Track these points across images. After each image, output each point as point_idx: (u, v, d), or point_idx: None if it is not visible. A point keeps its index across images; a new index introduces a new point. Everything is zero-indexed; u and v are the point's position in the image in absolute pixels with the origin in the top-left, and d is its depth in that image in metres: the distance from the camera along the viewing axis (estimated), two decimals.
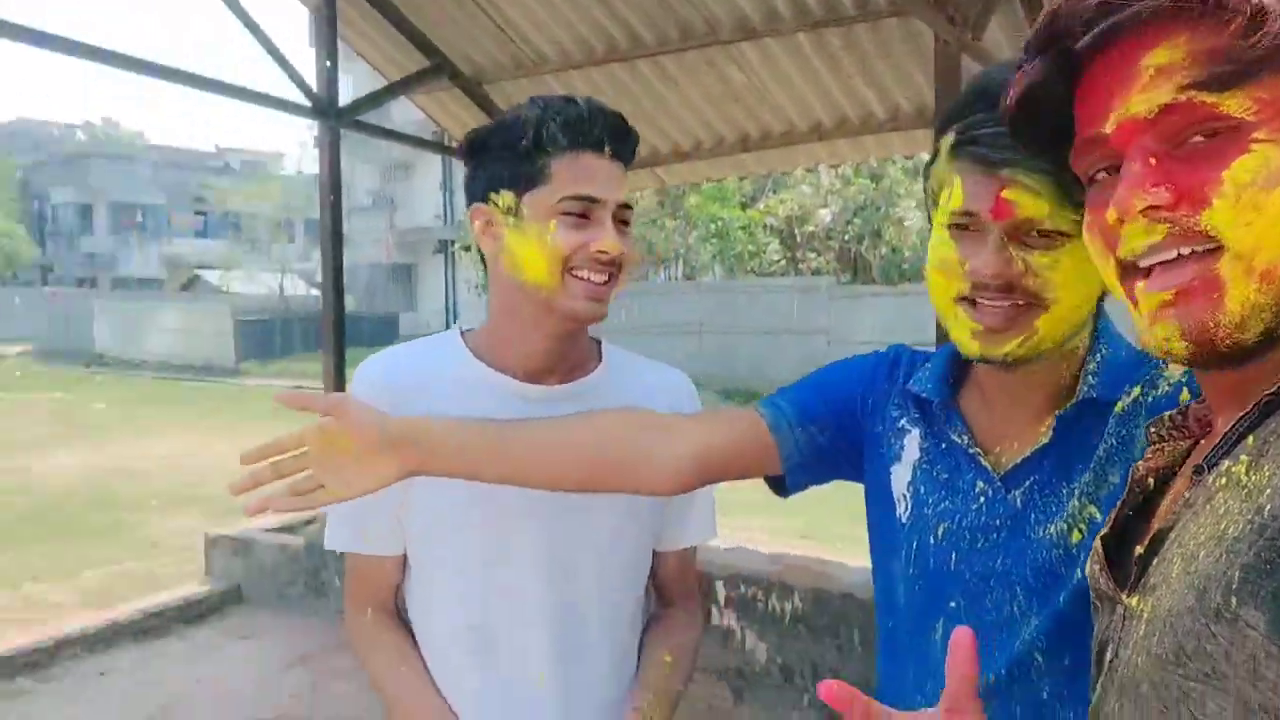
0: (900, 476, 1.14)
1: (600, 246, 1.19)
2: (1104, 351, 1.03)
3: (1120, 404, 1.00)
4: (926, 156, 1.10)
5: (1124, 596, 0.66)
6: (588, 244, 1.20)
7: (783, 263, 19.26)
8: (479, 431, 1.14)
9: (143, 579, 5.90)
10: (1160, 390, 0.99)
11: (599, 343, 1.39)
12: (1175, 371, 0.98)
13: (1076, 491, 0.99)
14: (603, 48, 5.71)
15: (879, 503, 1.16)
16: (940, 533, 1.07)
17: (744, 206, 19.09)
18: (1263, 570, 0.53)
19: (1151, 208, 0.62)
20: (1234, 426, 0.62)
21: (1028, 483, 1.03)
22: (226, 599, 5.25)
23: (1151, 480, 0.72)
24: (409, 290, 28.50)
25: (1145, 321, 0.66)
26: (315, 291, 24.67)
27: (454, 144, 7.10)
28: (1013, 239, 0.95)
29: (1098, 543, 0.72)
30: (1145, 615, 0.62)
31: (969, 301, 0.98)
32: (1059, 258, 0.94)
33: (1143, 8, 0.62)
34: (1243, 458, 0.60)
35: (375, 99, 5.98)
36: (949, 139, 0.98)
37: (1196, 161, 0.62)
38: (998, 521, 1.03)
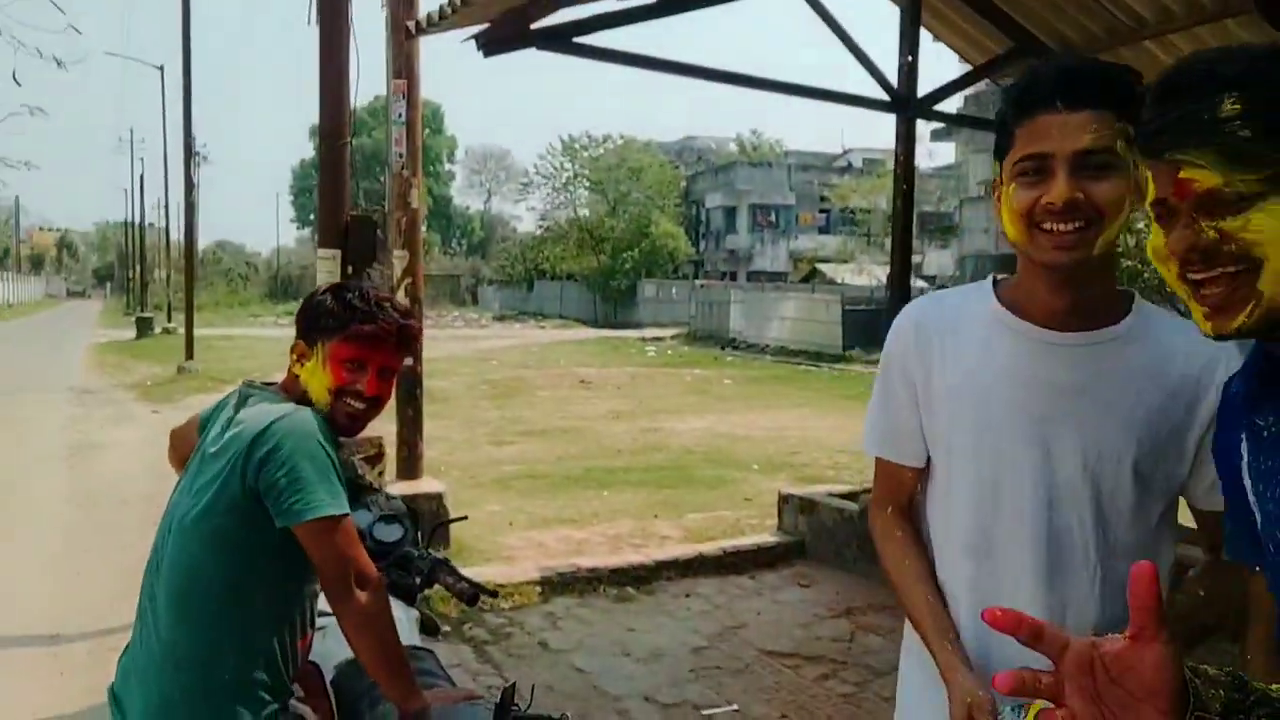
0: (1247, 484, 1.10)
1: (1049, 198, 1.25)
2: None
3: None
4: None
5: None
6: (1039, 198, 1.26)
7: None
8: None
9: (731, 525, 6.85)
10: None
11: (1133, 295, 1.41)
12: None
13: None
14: (1212, 3, 5.08)
15: (1243, 514, 1.12)
16: (1267, 496, 1.04)
17: None
18: None
19: None
20: None
21: None
22: (792, 550, 5.88)
23: None
24: None
25: None
26: (921, 283, 25.11)
27: None
28: (1202, 215, 0.95)
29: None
30: None
31: (1191, 284, 0.98)
32: (1251, 217, 0.93)
33: None
34: None
35: (954, 87, 6.09)
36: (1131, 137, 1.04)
37: None
38: None
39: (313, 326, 1.92)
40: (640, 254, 41.73)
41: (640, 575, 5.40)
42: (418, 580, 2.42)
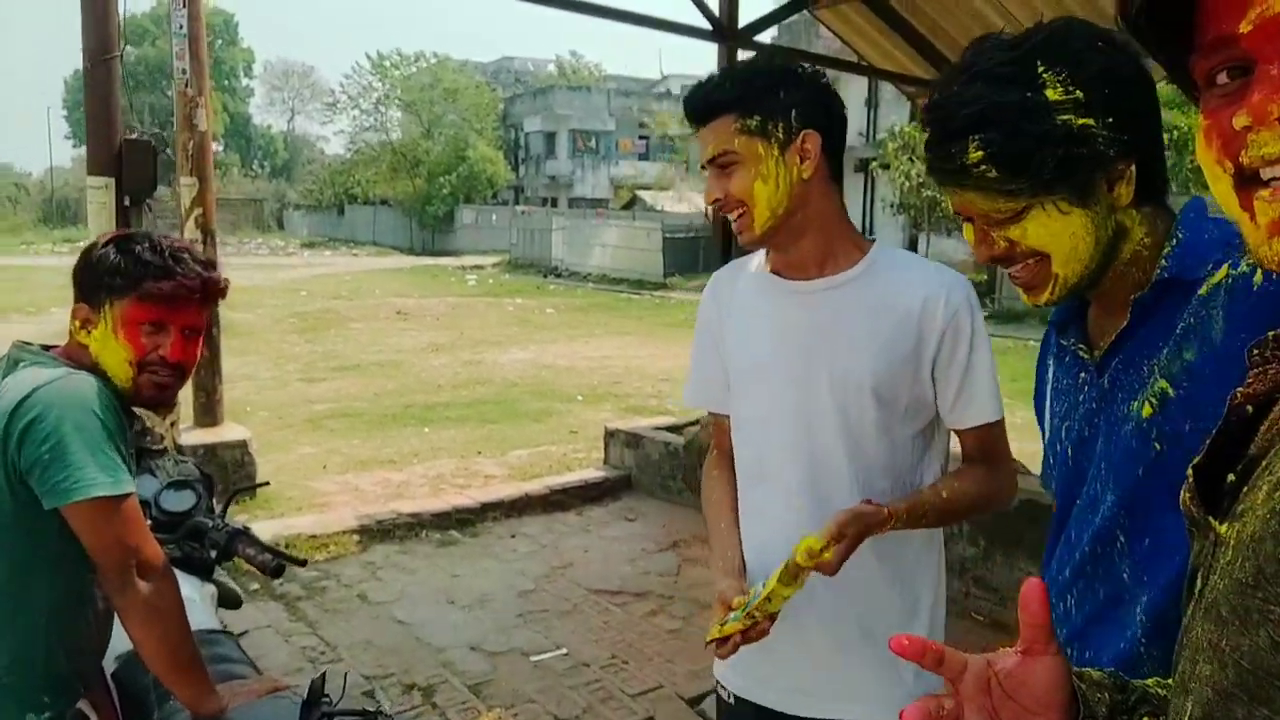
0: (1047, 410, 1.29)
1: (707, 200, 1.58)
2: (1181, 235, 1.10)
3: (1205, 286, 1.05)
4: None
5: (1215, 524, 0.64)
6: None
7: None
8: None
9: (558, 460, 6.78)
10: (1241, 270, 1.02)
11: (872, 243, 1.60)
12: None
13: (1154, 368, 1.07)
14: None
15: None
16: (1064, 435, 1.20)
17: None
18: None
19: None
20: None
21: (1114, 364, 1.13)
22: (618, 485, 5.87)
23: (1250, 407, 0.68)
24: None
25: (1263, 234, 0.62)
26: None
27: (871, 64, 6.95)
28: (989, 225, 1.13)
29: (1190, 470, 0.69)
30: (1232, 542, 0.61)
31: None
32: (1025, 226, 1.10)
33: None
34: None
35: (774, 18, 6.05)
36: None
37: None
38: (1094, 405, 1.15)
39: (96, 285, 1.64)
40: (458, 179, 40.45)
41: (464, 518, 5.25)
42: (213, 554, 2.18)
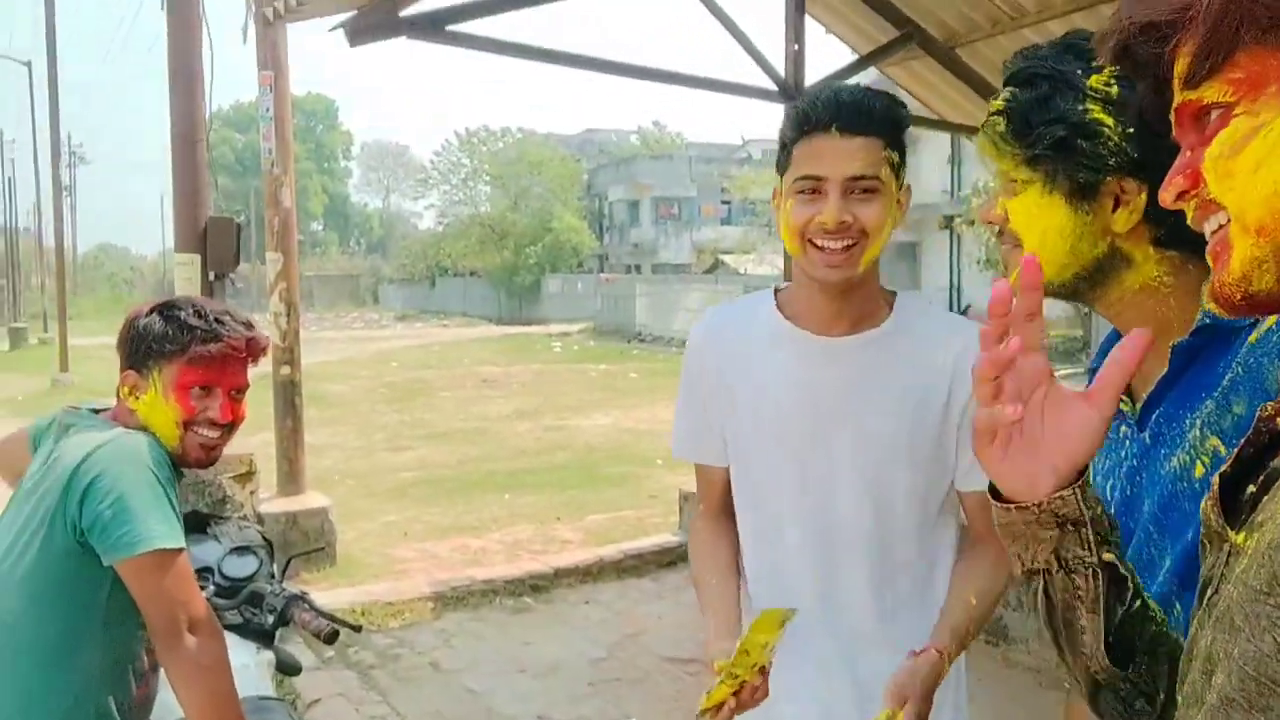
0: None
1: (821, 219, 1.36)
2: None
3: (1255, 333, 0.97)
4: None
5: (1231, 534, 0.65)
6: (813, 216, 1.37)
7: None
8: None
9: (634, 524, 6.72)
10: None
11: (895, 294, 1.54)
12: None
13: (1199, 422, 0.99)
14: None
15: None
16: (1108, 493, 1.10)
17: None
18: None
19: (1181, 194, 0.70)
20: None
21: (1154, 416, 1.05)
22: None
23: (1279, 420, 0.70)
24: (913, 267, 28.17)
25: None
26: None
27: (946, 119, 6.88)
28: (1002, 189, 1.11)
29: (1215, 479, 0.70)
30: (1248, 550, 0.62)
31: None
32: (1017, 201, 1.08)
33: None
34: None
35: (840, 76, 6.05)
36: None
37: (1200, 148, 0.68)
38: (1136, 462, 1.06)
39: (143, 352, 1.70)
40: (544, 249, 41.35)
41: (538, 584, 5.22)
42: (270, 619, 2.19)
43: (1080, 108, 1.02)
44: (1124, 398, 1.08)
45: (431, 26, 4.56)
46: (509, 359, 22.12)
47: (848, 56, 6.41)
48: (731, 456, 1.57)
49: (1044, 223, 1.05)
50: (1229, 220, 0.67)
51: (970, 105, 6.45)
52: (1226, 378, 0.98)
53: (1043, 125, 1.03)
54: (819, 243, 1.38)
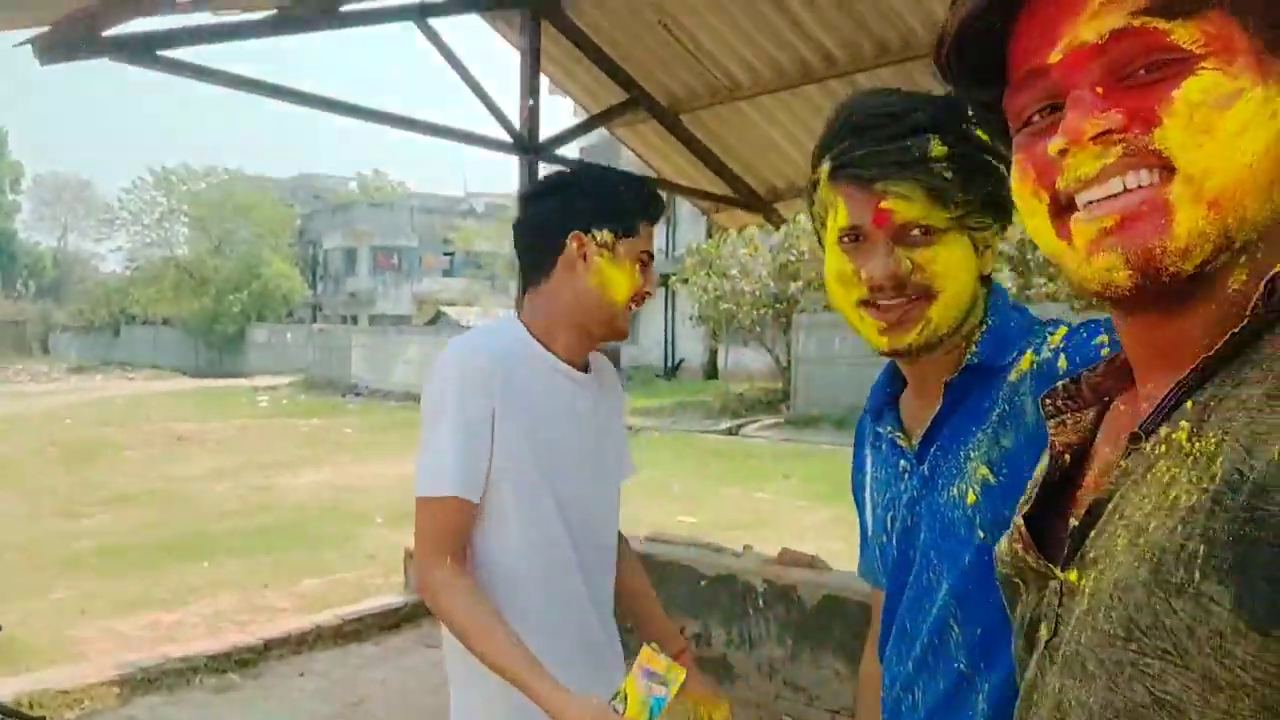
0: (867, 499, 1.26)
1: (648, 287, 1.71)
2: (991, 322, 1.12)
3: (1014, 372, 1.06)
4: None
5: (1058, 572, 0.63)
6: (645, 284, 1.70)
7: (1014, 290, 18.17)
8: None
9: (354, 587, 6.31)
10: (1044, 355, 1.06)
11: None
12: (1055, 336, 1.07)
13: (971, 453, 1.06)
14: (796, 70, 5.61)
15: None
16: (889, 525, 1.16)
17: None
18: (1224, 542, 0.51)
19: (1105, 132, 0.59)
20: (1171, 392, 0.60)
21: (932, 450, 1.10)
22: (421, 609, 5.48)
23: (1068, 456, 0.71)
24: (631, 323, 29.28)
25: (1082, 254, 0.62)
26: None
27: (671, 180, 7.19)
28: (896, 242, 1.06)
29: (1019, 520, 0.69)
30: (1088, 590, 0.60)
31: (868, 304, 1.08)
32: (938, 252, 1.05)
33: None
34: (1183, 424, 0.58)
35: (573, 133, 6.17)
36: (825, 168, 1.10)
37: (1145, 88, 0.60)
38: (916, 494, 1.12)
39: None
40: (250, 296, 38.70)
41: (245, 658, 4.72)
42: None
43: (988, 158, 1.05)
44: (899, 433, 1.15)
45: (142, 49, 4.12)
46: (206, 414, 20.31)
47: (583, 114, 6.55)
48: (499, 489, 1.60)
49: (966, 272, 1.07)
50: (1160, 181, 0.59)
51: (691, 169, 6.80)
52: (994, 413, 1.06)
53: (982, 174, 1.04)
54: (633, 305, 1.72)
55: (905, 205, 1.04)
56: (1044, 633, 0.64)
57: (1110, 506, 0.61)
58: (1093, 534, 0.61)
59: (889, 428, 1.17)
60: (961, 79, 0.71)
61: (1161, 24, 0.58)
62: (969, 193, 1.04)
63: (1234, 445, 0.53)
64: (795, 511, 9.24)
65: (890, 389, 1.22)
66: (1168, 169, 0.59)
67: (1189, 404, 0.58)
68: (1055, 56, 0.62)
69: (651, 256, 1.71)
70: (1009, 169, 0.98)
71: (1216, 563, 0.51)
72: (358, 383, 28.24)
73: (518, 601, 1.58)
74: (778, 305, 18.68)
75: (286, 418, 20.14)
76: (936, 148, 1.03)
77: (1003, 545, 0.71)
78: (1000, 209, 1.07)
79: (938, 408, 1.10)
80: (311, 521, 8.97)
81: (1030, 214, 0.66)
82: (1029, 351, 1.07)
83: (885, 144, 1.04)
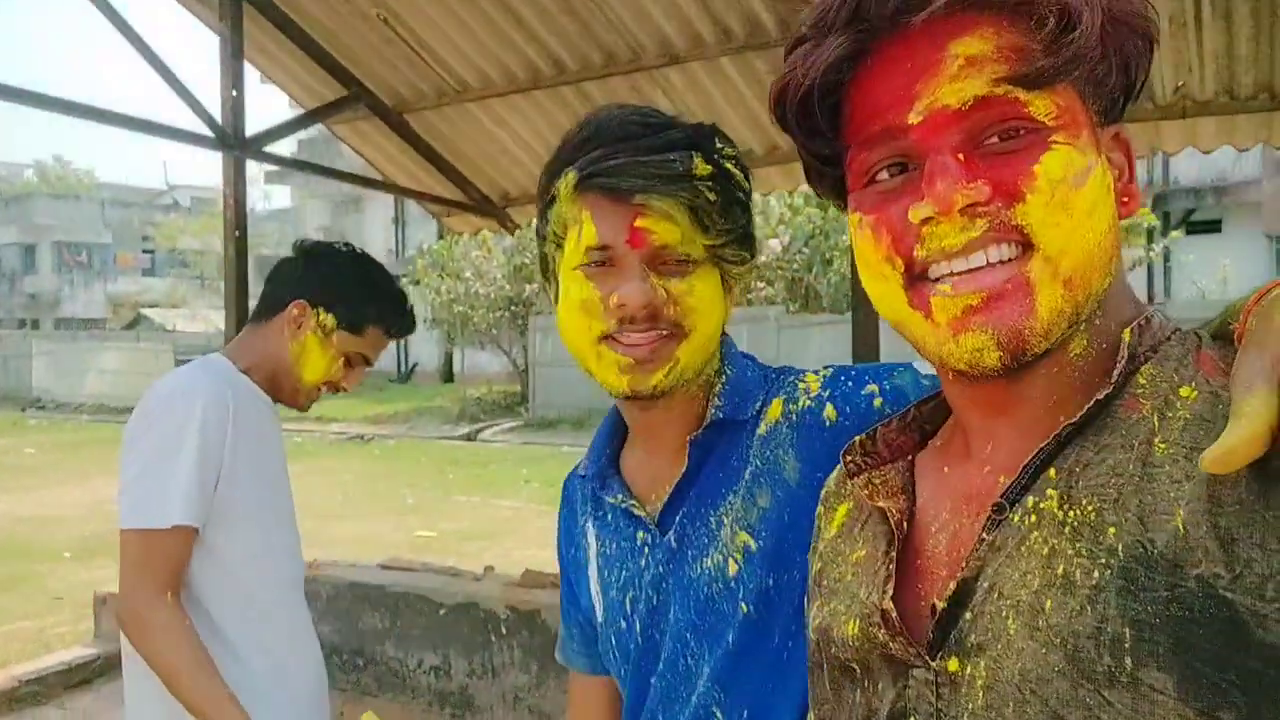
0: (593, 577, 1.08)
1: (345, 383, 1.87)
2: (730, 373, 1.02)
3: (762, 425, 0.98)
4: None
5: (931, 660, 0.59)
6: (342, 379, 1.86)
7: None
8: None
9: (33, 639, 5.51)
10: (802, 404, 0.98)
11: None
12: (813, 383, 1.00)
13: (726, 519, 0.96)
14: (525, 74, 5.52)
15: (597, 622, 1.10)
16: (628, 607, 1.02)
17: None
18: (1153, 625, 0.49)
19: (972, 204, 0.58)
20: (1031, 460, 0.58)
21: (678, 517, 0.98)
22: (115, 662, 4.84)
23: (906, 523, 0.67)
24: None
25: (945, 332, 0.61)
26: None
27: (394, 182, 6.85)
28: (650, 268, 0.93)
29: (887, 604, 0.62)
30: (980, 682, 0.56)
31: (612, 339, 0.94)
32: (693, 284, 0.94)
33: None
34: (1050, 492, 0.57)
35: (285, 129, 5.71)
36: (569, 177, 0.94)
37: (1003, 159, 0.59)
38: (662, 569, 0.99)
39: None
40: None
41: None
42: None
43: (739, 191, 0.97)
44: (633, 502, 1.02)
45: None
46: None
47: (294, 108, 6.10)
48: (221, 521, 1.62)
49: (718, 311, 0.96)
50: (1022, 255, 0.58)
51: (417, 170, 6.54)
52: (747, 471, 0.97)
53: (737, 205, 0.95)
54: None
55: (666, 226, 0.91)
56: None
57: (983, 585, 0.57)
58: (968, 615, 0.58)
59: (618, 496, 1.03)
60: (801, 131, 0.68)
61: (1021, 94, 0.58)
62: (728, 221, 0.94)
63: (1124, 517, 0.52)
64: (537, 517, 9.18)
65: (610, 449, 1.08)
66: (1028, 245, 0.59)
67: (1051, 472, 0.57)
68: (915, 118, 0.60)
69: (368, 362, 1.81)
70: (749, 204, 0.98)
71: (1150, 648, 0.49)
72: (40, 395, 25.06)
73: (233, 626, 1.64)
74: (513, 308, 18.61)
75: None
76: (701, 165, 0.92)
77: (849, 629, 0.66)
78: (751, 245, 0.99)
79: (682, 468, 0.98)
80: None
81: (879, 279, 0.63)
82: (775, 399, 1.00)
83: (646, 155, 0.91)
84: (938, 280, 0.60)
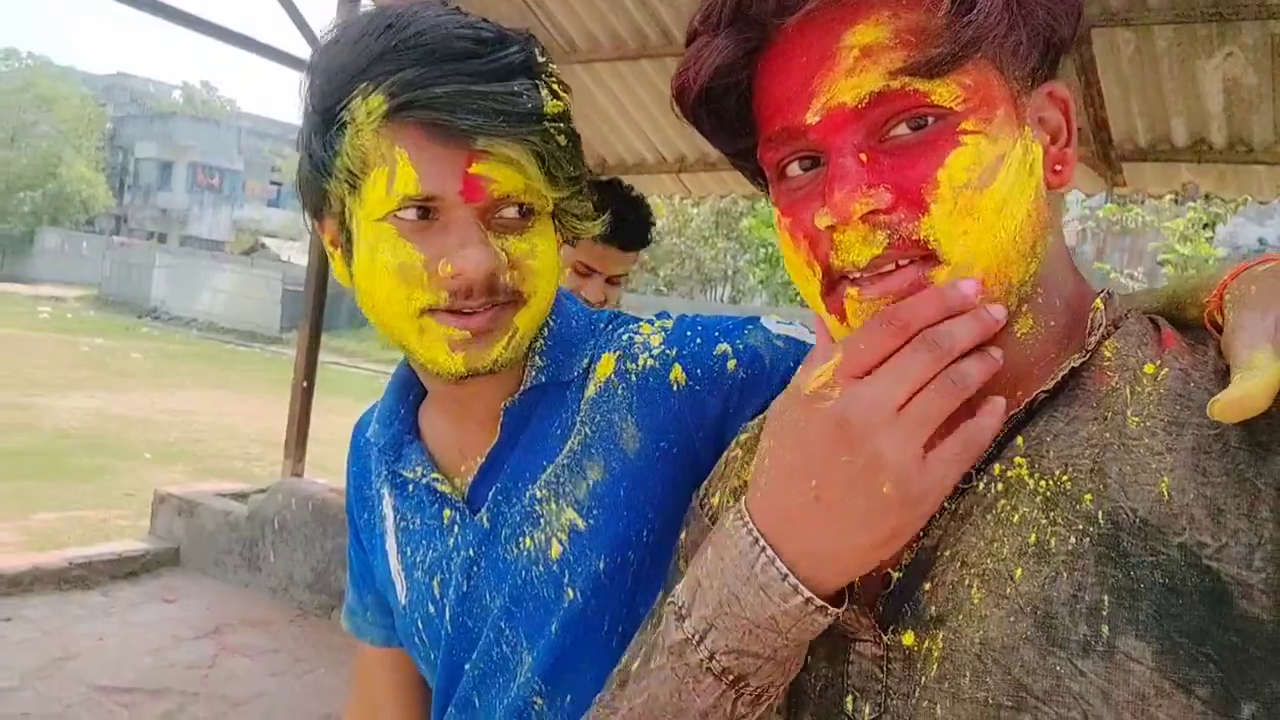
0: (391, 552, 0.95)
1: None
2: (552, 324, 0.88)
3: (591, 385, 0.86)
4: None
5: (883, 633, 0.56)
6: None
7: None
8: None
9: (94, 527, 5.77)
10: (643, 364, 0.85)
11: None
12: (653, 337, 0.87)
13: (547, 495, 0.84)
14: (635, 42, 5.47)
15: (395, 600, 0.97)
16: (438, 592, 0.90)
17: None
18: (1133, 592, 0.48)
19: (872, 212, 0.56)
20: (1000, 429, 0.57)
21: (490, 493, 0.86)
22: (162, 559, 5.06)
23: None
24: None
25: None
26: None
27: None
28: (484, 224, 0.77)
29: (859, 583, 0.58)
30: (936, 655, 0.54)
31: (444, 311, 0.77)
32: (535, 243, 0.79)
33: None
34: (1018, 460, 0.56)
35: None
36: (376, 102, 0.73)
37: (908, 157, 0.56)
38: (473, 551, 0.87)
39: None
40: (44, 197, 35.36)
41: None
42: None
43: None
44: (436, 476, 0.89)
45: None
46: None
47: None
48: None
49: (555, 271, 0.83)
50: (927, 260, 0.55)
51: None
52: (574, 439, 0.85)
53: (580, 145, 0.81)
54: None
55: (508, 174, 0.75)
56: (858, 708, 0.57)
57: (944, 554, 0.56)
58: (926, 585, 0.56)
59: (418, 469, 0.89)
60: (710, 129, 0.65)
61: (921, 85, 0.55)
62: (576, 168, 0.80)
63: (1103, 484, 0.52)
64: None
65: (404, 408, 0.94)
66: (934, 259, 0.56)
67: (1019, 439, 0.56)
68: (813, 118, 0.57)
69: None
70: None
71: (1130, 615, 0.48)
72: (157, 306, 26.33)
73: None
74: None
75: (68, 334, 18.51)
76: (551, 102, 0.77)
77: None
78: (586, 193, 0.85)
79: (494, 438, 0.86)
80: (68, 450, 8.19)
81: (802, 280, 0.62)
82: (607, 354, 0.87)
83: (484, 83, 0.72)
84: (852, 281, 0.58)
